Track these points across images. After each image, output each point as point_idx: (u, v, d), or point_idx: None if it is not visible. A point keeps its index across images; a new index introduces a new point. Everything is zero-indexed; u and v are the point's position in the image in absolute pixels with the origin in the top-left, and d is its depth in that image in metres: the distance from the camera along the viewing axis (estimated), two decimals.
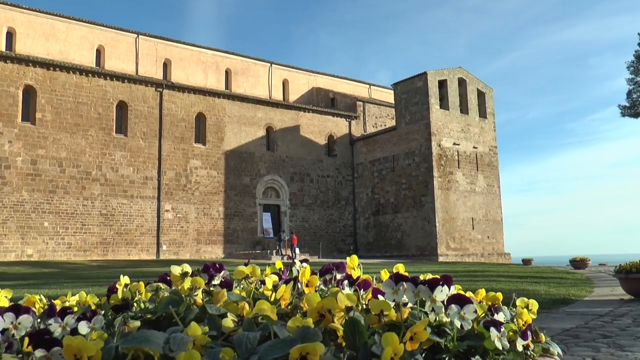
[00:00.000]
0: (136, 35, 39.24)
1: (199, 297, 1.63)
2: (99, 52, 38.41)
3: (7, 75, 31.64)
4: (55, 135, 32.72)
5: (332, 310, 1.42)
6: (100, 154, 33.87)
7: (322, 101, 48.13)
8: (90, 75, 34.26)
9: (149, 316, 1.62)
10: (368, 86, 54.03)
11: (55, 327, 1.56)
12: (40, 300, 2.09)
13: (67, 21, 37.61)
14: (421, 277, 1.73)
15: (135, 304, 1.80)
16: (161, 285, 1.74)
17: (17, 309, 1.52)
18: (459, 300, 1.59)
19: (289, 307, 1.64)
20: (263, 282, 1.87)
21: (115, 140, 34.46)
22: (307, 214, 41.56)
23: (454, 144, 40.42)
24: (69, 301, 2.12)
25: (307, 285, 1.74)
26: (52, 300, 2.15)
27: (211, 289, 1.70)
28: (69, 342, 1.23)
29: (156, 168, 35.47)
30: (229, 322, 1.45)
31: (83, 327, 1.52)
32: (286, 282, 1.74)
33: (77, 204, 32.92)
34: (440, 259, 37.25)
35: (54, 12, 37.42)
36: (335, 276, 1.88)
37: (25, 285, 14.40)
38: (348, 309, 1.43)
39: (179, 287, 1.70)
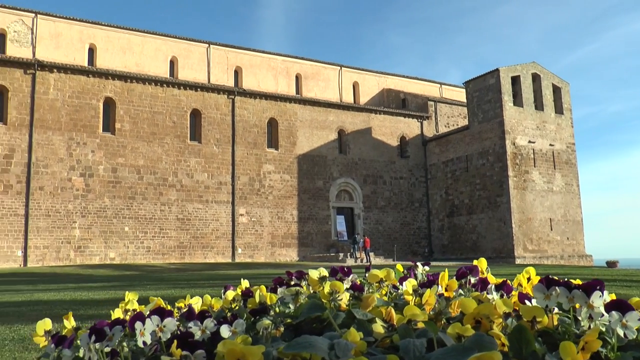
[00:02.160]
0: (207, 45, 40.30)
1: (343, 301, 1.59)
2: (173, 63, 39.69)
3: (89, 89, 33.29)
4: (133, 144, 34.03)
5: (490, 317, 1.35)
6: (176, 161, 34.94)
7: (393, 102, 47.82)
8: (164, 85, 35.45)
9: (288, 320, 1.60)
10: (439, 85, 53.27)
11: (195, 330, 1.57)
12: (167, 303, 2.11)
13: (143, 35, 39.08)
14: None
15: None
16: (300, 289, 1.71)
17: (161, 312, 1.53)
18: (620, 307, 1.48)
19: (432, 313, 1.58)
20: (394, 287, 1.82)
21: (190, 148, 35.48)
22: (381, 216, 41.36)
23: (529, 141, 39.18)
24: (191, 304, 2.13)
25: (446, 290, 1.68)
26: (175, 303, 2.17)
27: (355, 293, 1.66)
28: (232, 347, 1.21)
29: (230, 173, 36.25)
30: (379, 327, 1.41)
31: (225, 331, 1.52)
32: (427, 286, 1.67)
33: (155, 209, 34.07)
34: (518, 261, 36.16)
35: (130, 27, 38.95)
36: (469, 280, 1.80)
37: (111, 287, 14.92)
38: (506, 315, 1.35)
39: (318, 291, 1.68)
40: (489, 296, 1.58)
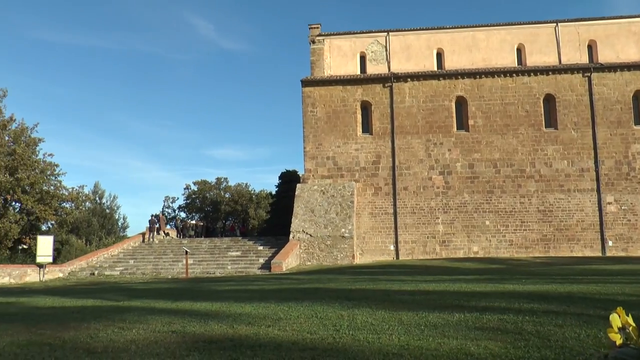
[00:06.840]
0: (554, 24, 37.92)
1: None
2: (519, 51, 38.55)
3: (440, 91, 35.18)
4: (487, 139, 34.43)
5: None
6: (532, 151, 34.01)
7: None
8: (513, 75, 34.99)
9: None
10: None
11: None
12: None
13: (486, 29, 38.89)
14: None
15: None
16: None
17: None
18: None
19: None
20: None
21: (545, 135, 34.12)
22: None
23: None
24: None
25: None
26: None
27: None
28: None
29: (592, 158, 33.51)
30: None
31: None
32: None
33: (514, 202, 33.72)
34: None
35: (472, 24, 39.15)
36: None
37: (485, 279, 15.04)
38: None
39: None
40: None
